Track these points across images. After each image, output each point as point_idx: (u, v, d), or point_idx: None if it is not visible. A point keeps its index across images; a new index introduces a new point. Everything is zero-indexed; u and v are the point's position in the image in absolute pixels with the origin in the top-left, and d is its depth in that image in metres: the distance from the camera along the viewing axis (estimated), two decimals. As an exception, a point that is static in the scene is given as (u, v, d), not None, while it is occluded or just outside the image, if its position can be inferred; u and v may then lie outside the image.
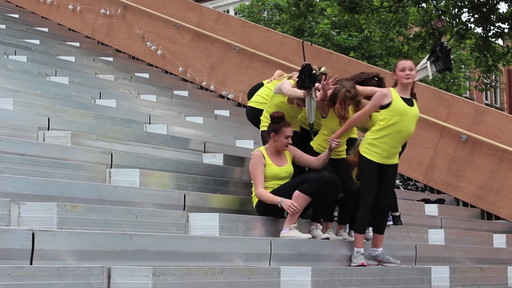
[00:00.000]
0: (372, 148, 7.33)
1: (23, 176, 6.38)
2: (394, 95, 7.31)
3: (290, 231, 7.11)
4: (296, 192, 7.17)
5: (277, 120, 7.53)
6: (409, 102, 7.37)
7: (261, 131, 8.24)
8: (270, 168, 7.47)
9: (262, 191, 7.36)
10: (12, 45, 13.14)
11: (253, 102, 8.79)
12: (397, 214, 8.80)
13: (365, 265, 7.21)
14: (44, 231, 5.04)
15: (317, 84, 7.60)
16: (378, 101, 7.32)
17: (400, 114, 7.28)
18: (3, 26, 15.03)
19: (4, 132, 7.67)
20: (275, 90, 8.08)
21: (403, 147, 8.38)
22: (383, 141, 7.31)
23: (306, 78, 7.53)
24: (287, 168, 7.56)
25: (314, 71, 7.64)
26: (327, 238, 7.37)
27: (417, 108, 7.51)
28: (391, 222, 8.46)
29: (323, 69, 8.01)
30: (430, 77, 8.22)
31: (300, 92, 7.62)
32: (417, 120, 7.54)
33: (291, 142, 7.52)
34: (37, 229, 5.00)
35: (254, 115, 8.68)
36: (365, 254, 7.33)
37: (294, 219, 7.15)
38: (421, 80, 8.03)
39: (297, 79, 7.63)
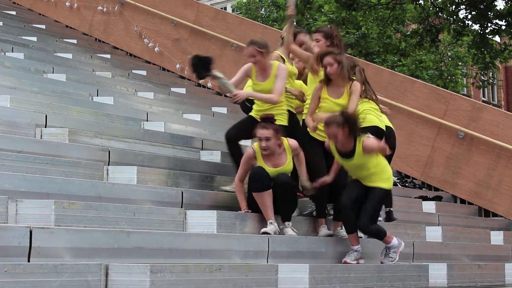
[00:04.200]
0: None
1: (20, 173, 6.37)
2: (332, 147, 7.26)
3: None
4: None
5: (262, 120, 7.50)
6: (347, 155, 7.17)
7: None
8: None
9: (237, 185, 7.45)
10: (9, 42, 13.12)
11: None
12: (388, 209, 8.83)
13: (347, 262, 7.18)
14: (42, 228, 5.04)
15: None
16: None
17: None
18: (0, 23, 15.00)
19: (1, 129, 7.66)
20: None
21: (393, 148, 8.42)
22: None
23: (199, 69, 7.73)
24: (285, 168, 7.42)
25: (200, 58, 7.80)
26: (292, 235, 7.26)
27: (359, 157, 7.13)
28: (381, 218, 8.40)
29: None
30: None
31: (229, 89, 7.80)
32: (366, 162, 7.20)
33: (264, 145, 7.25)
34: (34, 226, 4.99)
35: (245, 107, 8.72)
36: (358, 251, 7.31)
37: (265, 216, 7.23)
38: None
39: (193, 74, 7.84)
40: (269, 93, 7.86)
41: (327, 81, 7.60)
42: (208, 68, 7.79)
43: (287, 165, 7.42)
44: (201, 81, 8.03)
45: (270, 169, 7.34)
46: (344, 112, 7.10)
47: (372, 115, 8.21)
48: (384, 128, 8.31)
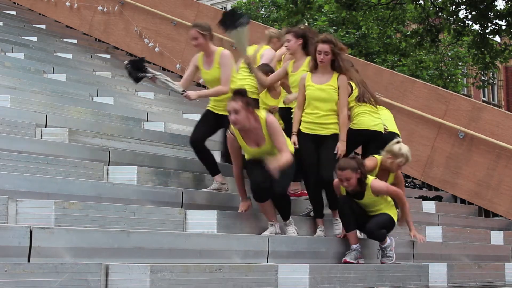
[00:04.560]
0: None
1: (20, 173, 6.37)
2: (342, 188, 7.46)
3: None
4: None
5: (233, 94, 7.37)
6: (356, 196, 7.38)
7: None
8: (245, 150, 7.24)
9: (237, 178, 7.41)
10: (9, 42, 13.12)
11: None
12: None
13: (347, 262, 7.20)
14: (42, 229, 5.04)
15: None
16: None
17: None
18: (0, 23, 15.00)
19: (1, 129, 7.66)
20: None
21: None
22: None
23: (135, 73, 7.81)
24: (267, 148, 7.10)
25: (132, 61, 7.85)
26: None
27: (369, 197, 7.40)
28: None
29: None
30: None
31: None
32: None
33: (233, 118, 6.95)
34: (34, 227, 4.99)
35: None
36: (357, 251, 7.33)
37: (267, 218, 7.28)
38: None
39: (130, 79, 7.90)
40: (216, 81, 7.93)
41: (314, 68, 7.63)
42: (141, 69, 7.74)
43: (267, 145, 7.09)
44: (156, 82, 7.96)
45: (252, 150, 7.13)
46: (356, 157, 7.49)
47: (366, 117, 8.26)
48: (380, 129, 8.35)
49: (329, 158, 7.46)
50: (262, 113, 7.16)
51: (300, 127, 7.60)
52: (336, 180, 7.43)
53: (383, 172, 7.75)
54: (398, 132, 8.68)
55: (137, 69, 7.84)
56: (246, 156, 7.29)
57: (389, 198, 7.52)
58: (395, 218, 7.55)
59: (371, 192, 7.31)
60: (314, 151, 7.53)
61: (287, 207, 7.35)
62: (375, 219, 7.39)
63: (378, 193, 7.34)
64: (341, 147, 7.45)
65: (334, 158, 7.45)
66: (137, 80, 7.93)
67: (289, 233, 7.27)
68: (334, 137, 7.50)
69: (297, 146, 7.50)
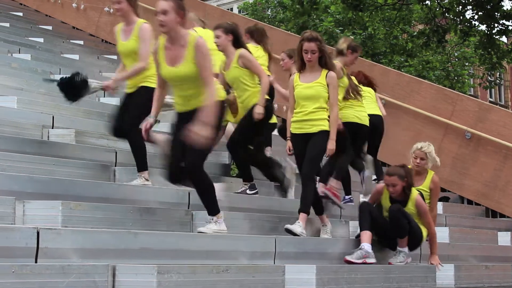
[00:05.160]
0: None
1: (27, 174, 6.38)
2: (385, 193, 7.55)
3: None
4: None
5: None
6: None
7: None
8: (161, 69, 6.41)
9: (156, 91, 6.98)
10: (16, 43, 13.15)
11: None
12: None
13: (347, 260, 7.14)
14: (49, 229, 5.04)
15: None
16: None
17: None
18: (7, 24, 15.04)
19: (9, 130, 7.67)
20: None
21: (380, 135, 9.29)
22: None
23: (71, 94, 7.60)
24: (181, 70, 6.21)
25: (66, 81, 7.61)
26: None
27: (411, 208, 7.60)
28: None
29: None
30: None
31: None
32: None
33: (161, 19, 6.07)
34: (41, 227, 4.99)
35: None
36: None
37: None
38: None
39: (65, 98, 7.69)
40: (132, 53, 7.41)
41: (301, 68, 7.50)
42: (78, 92, 7.59)
43: (184, 65, 6.13)
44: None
45: (168, 69, 6.25)
46: (406, 165, 7.59)
47: (349, 111, 8.78)
48: (363, 121, 8.85)
49: (311, 155, 7.26)
50: (193, 33, 6.27)
51: (291, 128, 7.53)
52: (380, 185, 7.64)
53: (418, 178, 8.13)
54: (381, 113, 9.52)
55: (74, 91, 7.61)
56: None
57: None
58: (424, 236, 7.69)
59: (414, 204, 7.55)
60: (304, 150, 7.32)
61: (208, 194, 6.39)
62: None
63: (419, 208, 7.57)
64: (330, 146, 7.31)
65: (316, 156, 7.31)
66: (75, 99, 7.68)
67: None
68: (322, 134, 7.30)
69: (291, 152, 7.58)
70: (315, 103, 7.34)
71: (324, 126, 7.32)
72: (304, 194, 7.30)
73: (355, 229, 7.97)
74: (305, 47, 7.34)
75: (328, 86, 7.36)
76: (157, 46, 6.33)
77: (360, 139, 8.98)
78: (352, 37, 28.42)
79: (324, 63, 7.39)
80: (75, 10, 16.98)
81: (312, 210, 7.62)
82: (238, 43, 7.99)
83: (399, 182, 7.35)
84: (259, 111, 7.87)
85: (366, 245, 7.21)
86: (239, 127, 8.10)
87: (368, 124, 8.98)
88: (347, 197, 9.34)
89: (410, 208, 7.52)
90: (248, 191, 8.16)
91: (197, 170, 6.18)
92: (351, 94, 8.72)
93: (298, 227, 7.15)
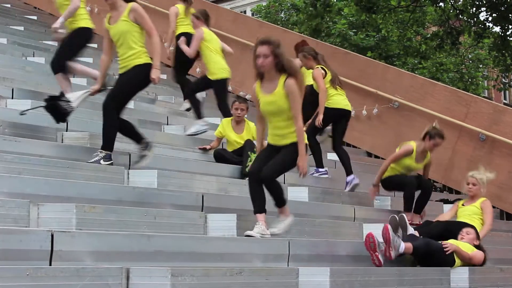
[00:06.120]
0: None
1: (42, 177, 6.40)
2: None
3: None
4: None
5: None
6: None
7: None
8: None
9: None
10: (31, 47, 13.21)
11: None
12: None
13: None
14: (63, 232, 5.06)
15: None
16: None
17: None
18: (22, 28, 15.11)
19: (23, 133, 7.71)
20: None
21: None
22: None
23: (58, 116, 7.76)
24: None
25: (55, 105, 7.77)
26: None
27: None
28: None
29: None
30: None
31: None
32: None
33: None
34: (56, 230, 5.01)
35: None
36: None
37: None
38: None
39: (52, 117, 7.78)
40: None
41: (259, 76, 6.89)
42: (62, 115, 7.77)
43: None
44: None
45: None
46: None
47: (339, 98, 10.01)
48: (349, 108, 10.16)
49: (277, 162, 6.79)
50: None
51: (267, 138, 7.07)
52: (477, 254, 8.10)
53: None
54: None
55: (59, 115, 7.78)
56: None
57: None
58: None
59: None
60: (269, 153, 6.92)
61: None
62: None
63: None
64: (301, 163, 6.77)
65: (281, 163, 6.82)
66: (61, 120, 7.84)
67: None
68: (291, 146, 6.81)
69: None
70: (280, 117, 6.83)
71: (294, 138, 6.83)
72: (274, 195, 6.90)
73: (368, 231, 7.94)
74: (257, 51, 6.73)
75: (288, 96, 6.74)
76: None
77: (345, 124, 10.10)
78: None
79: (281, 68, 6.73)
80: (89, 13, 16.99)
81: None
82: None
83: (270, 52, 6.68)
84: (156, 74, 7.51)
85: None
86: (118, 85, 7.67)
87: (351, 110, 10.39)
88: (321, 170, 10.21)
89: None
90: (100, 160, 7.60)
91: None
92: (339, 83, 9.99)
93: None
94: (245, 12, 39.02)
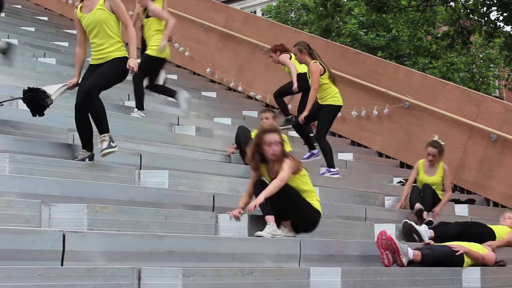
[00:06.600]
0: None
1: (53, 178, 6.42)
2: None
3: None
4: None
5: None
6: None
7: None
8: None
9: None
10: (41, 48, 13.23)
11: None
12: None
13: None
14: (75, 232, 5.06)
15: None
16: None
17: None
18: (32, 29, 15.14)
19: (34, 133, 7.73)
20: None
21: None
22: None
23: (36, 109, 7.54)
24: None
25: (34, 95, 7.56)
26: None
27: None
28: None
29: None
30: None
31: None
32: None
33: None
34: (67, 230, 5.02)
35: None
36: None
37: None
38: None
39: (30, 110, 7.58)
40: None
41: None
42: (41, 107, 7.56)
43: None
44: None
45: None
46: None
47: (339, 96, 10.18)
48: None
49: (96, 74, 7.23)
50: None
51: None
52: (489, 254, 8.18)
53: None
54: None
55: (38, 107, 7.57)
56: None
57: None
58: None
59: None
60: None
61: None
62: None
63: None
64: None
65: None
66: (39, 113, 7.64)
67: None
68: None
69: None
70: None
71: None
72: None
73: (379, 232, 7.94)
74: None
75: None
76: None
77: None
78: (376, 38, 28.37)
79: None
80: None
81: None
82: None
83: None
84: (133, 63, 7.29)
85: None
86: (102, 74, 7.44)
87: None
88: (333, 170, 10.22)
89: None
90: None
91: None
92: (335, 80, 10.16)
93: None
94: (255, 12, 39.02)
